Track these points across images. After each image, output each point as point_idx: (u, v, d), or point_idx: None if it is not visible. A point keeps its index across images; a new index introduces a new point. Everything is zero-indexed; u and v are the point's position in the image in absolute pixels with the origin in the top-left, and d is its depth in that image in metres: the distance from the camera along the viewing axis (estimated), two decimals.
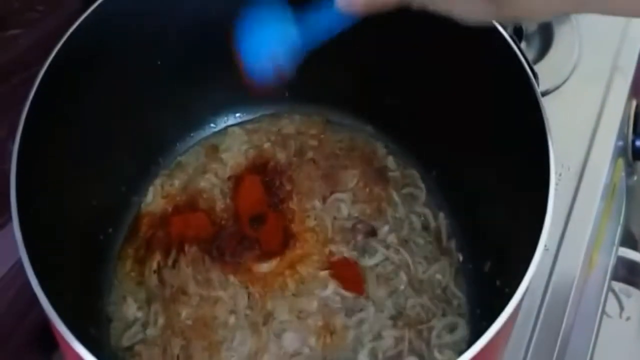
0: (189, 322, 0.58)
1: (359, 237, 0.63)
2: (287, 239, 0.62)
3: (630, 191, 0.82)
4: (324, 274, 0.60)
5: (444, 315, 0.59)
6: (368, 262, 0.61)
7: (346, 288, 0.60)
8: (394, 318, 0.58)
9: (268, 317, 0.58)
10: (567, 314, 0.60)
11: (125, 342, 0.58)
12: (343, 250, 0.62)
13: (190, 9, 0.60)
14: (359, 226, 0.63)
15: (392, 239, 0.63)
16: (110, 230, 0.63)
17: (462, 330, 0.58)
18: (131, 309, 0.59)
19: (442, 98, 0.60)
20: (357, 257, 0.61)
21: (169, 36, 0.60)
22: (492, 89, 0.54)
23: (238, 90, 0.68)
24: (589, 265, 0.65)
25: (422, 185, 0.66)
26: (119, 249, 0.63)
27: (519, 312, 0.47)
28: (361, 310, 0.59)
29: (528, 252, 0.43)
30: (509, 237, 0.52)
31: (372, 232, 0.63)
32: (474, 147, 0.59)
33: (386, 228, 0.63)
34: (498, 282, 0.53)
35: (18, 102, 0.48)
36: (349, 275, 0.60)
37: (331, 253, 0.62)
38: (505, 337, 0.49)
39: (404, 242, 0.63)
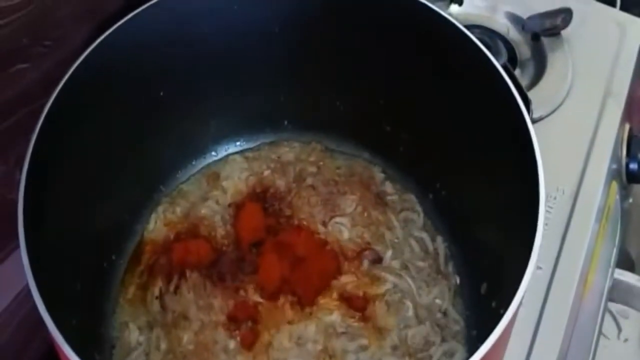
0: (191, 347, 0.58)
1: (366, 264, 0.63)
2: (289, 265, 0.63)
3: (625, 214, 0.82)
4: (330, 299, 0.61)
5: (443, 341, 0.59)
6: (377, 290, 0.62)
7: (353, 316, 0.60)
8: (395, 348, 0.59)
9: (268, 344, 0.59)
10: (563, 334, 0.60)
11: None
12: (352, 278, 0.62)
13: (192, 43, 0.61)
14: (366, 253, 0.64)
15: (396, 264, 0.63)
16: (114, 257, 0.64)
17: (461, 355, 0.58)
18: (134, 335, 0.59)
19: (437, 125, 0.62)
20: (366, 285, 0.62)
21: (172, 68, 0.61)
22: (485, 117, 0.56)
23: (239, 119, 0.70)
24: (584, 286, 0.65)
25: (420, 209, 0.67)
26: (121, 275, 0.63)
27: (511, 332, 0.47)
28: (362, 336, 0.59)
29: (520, 274, 0.44)
30: (503, 259, 0.53)
31: (379, 259, 0.63)
32: (469, 172, 0.60)
33: (390, 253, 0.64)
34: (494, 304, 0.53)
35: (25, 134, 0.49)
36: (357, 303, 0.61)
37: (339, 280, 0.62)
38: (497, 357, 0.50)
39: (406, 267, 0.63)
